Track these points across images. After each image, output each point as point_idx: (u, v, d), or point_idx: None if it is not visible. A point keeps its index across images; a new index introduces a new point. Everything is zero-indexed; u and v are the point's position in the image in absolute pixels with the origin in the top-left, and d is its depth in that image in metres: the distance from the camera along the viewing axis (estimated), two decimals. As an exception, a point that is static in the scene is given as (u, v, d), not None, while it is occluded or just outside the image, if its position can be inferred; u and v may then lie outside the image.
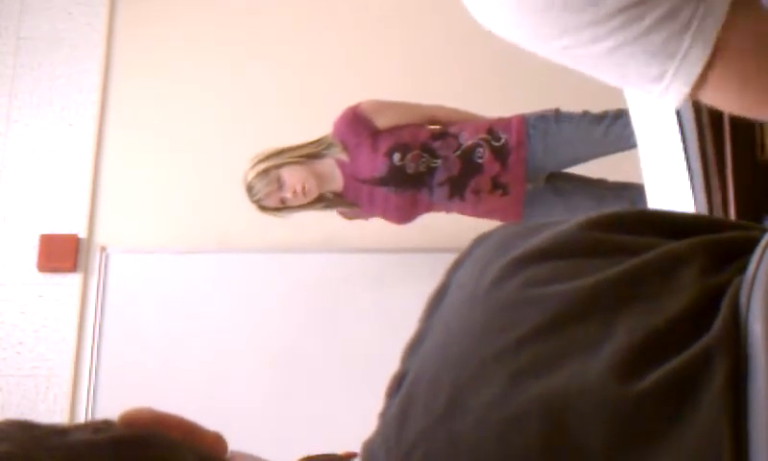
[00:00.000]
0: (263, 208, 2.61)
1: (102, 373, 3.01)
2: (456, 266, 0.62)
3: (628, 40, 0.73)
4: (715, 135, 1.51)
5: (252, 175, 2.56)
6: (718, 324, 0.49)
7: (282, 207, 2.61)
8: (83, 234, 3.21)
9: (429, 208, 2.69)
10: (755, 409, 0.45)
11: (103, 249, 3.16)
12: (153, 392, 2.86)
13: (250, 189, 2.57)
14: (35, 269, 3.16)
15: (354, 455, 0.57)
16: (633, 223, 0.59)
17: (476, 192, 2.59)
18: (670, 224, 0.60)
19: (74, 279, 3.15)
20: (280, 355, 3.00)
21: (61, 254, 3.16)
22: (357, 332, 3.01)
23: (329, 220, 3.18)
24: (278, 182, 2.55)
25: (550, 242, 0.58)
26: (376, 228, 2.81)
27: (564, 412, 0.47)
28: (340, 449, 0.60)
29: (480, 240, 0.63)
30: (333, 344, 3.01)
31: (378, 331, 2.91)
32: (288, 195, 2.55)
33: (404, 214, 2.68)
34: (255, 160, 2.57)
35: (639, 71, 0.75)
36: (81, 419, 2.98)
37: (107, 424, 0.43)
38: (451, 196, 2.61)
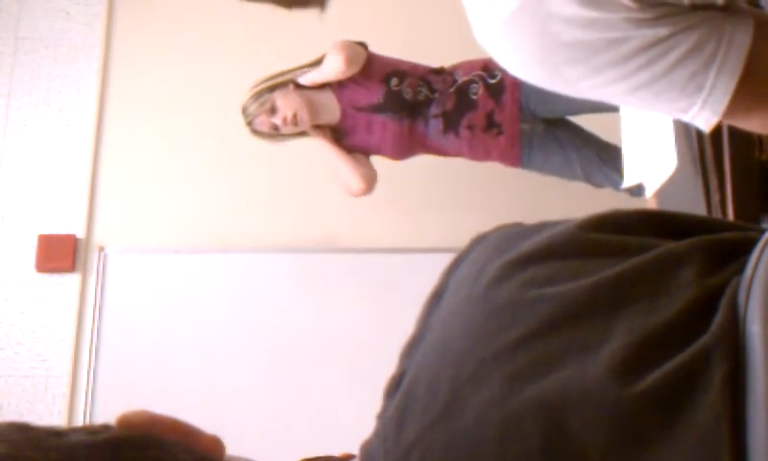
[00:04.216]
0: (255, 133, 2.62)
1: (100, 373, 3.01)
2: (454, 266, 0.62)
3: (653, 78, 0.73)
4: (714, 135, 1.51)
5: (246, 97, 2.59)
6: (716, 324, 0.49)
7: (274, 134, 2.62)
8: (81, 234, 3.21)
9: (425, 144, 2.65)
10: (753, 409, 0.45)
11: (101, 249, 3.16)
12: (151, 392, 2.87)
13: (243, 111, 2.59)
14: (33, 269, 3.16)
15: (352, 457, 0.57)
16: (631, 223, 0.59)
17: (470, 128, 2.57)
18: (668, 224, 0.60)
19: (72, 279, 3.15)
20: (279, 356, 3.00)
21: (60, 254, 3.16)
22: (356, 332, 3.01)
23: (329, 220, 3.18)
24: (271, 107, 2.56)
25: (549, 242, 0.58)
26: (376, 228, 2.81)
27: (563, 413, 0.47)
28: (338, 451, 0.60)
29: (478, 240, 0.63)
30: (332, 344, 3.01)
31: (377, 331, 2.91)
32: (278, 121, 2.56)
33: (401, 144, 2.64)
34: (254, 84, 2.60)
35: (668, 105, 0.76)
36: (79, 419, 2.98)
37: (104, 427, 0.43)
38: (445, 130, 2.59)
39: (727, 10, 0.75)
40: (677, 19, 0.73)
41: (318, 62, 2.60)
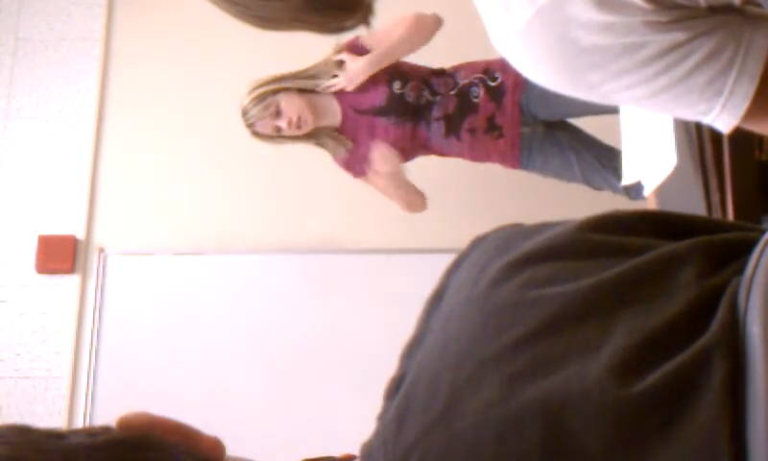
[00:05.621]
0: (256, 135, 2.60)
1: (100, 374, 3.01)
2: (454, 267, 0.62)
3: (672, 83, 0.73)
4: (713, 135, 1.51)
5: (247, 99, 2.56)
6: (716, 325, 0.49)
7: (276, 136, 2.61)
8: (81, 236, 3.21)
9: (427, 147, 2.65)
10: (753, 410, 0.45)
11: (101, 250, 3.16)
12: (151, 394, 2.87)
13: (244, 114, 2.57)
14: (33, 270, 3.16)
15: (353, 457, 0.57)
16: (631, 224, 0.59)
17: (471, 131, 2.57)
18: (668, 225, 0.60)
19: (72, 281, 3.15)
20: (278, 357, 3.00)
21: (60, 255, 3.16)
22: (357, 333, 3.01)
23: (330, 221, 3.18)
24: (275, 110, 2.56)
25: (548, 243, 0.58)
26: (377, 228, 2.81)
27: (563, 414, 0.47)
28: (339, 452, 0.60)
29: (478, 241, 0.63)
30: (332, 345, 3.01)
31: (378, 332, 2.91)
32: (283, 124, 2.56)
33: (403, 148, 2.63)
34: (253, 86, 2.58)
35: (687, 109, 0.76)
36: (79, 421, 2.98)
37: (104, 429, 0.43)
38: (447, 134, 2.59)
39: (744, 13, 0.74)
40: (694, 23, 0.72)
41: (327, 64, 2.58)
